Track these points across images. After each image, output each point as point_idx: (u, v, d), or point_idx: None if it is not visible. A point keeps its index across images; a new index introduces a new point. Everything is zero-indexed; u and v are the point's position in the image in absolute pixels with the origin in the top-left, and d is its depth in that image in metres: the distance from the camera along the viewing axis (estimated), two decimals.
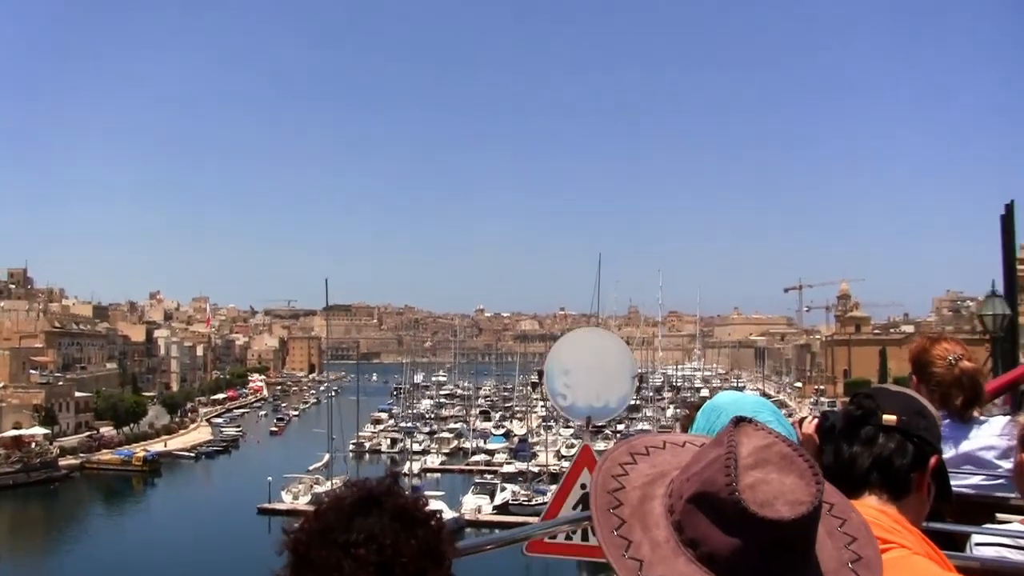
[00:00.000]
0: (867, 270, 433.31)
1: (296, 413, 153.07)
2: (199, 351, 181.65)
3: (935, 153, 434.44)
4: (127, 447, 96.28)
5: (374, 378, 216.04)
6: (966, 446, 3.81)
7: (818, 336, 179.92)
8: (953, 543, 2.76)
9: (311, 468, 78.41)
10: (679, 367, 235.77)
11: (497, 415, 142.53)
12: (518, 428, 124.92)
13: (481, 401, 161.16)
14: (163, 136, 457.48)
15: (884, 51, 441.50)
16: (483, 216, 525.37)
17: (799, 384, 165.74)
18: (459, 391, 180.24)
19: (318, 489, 73.83)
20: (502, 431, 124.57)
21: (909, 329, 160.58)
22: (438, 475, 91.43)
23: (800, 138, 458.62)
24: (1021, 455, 3.11)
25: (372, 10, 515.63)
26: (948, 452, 3.58)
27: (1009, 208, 12.95)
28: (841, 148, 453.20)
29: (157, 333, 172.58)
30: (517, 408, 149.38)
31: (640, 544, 1.48)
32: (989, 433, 3.83)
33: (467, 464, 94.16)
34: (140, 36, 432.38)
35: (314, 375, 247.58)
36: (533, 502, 70.34)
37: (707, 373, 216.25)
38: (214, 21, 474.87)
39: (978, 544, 2.85)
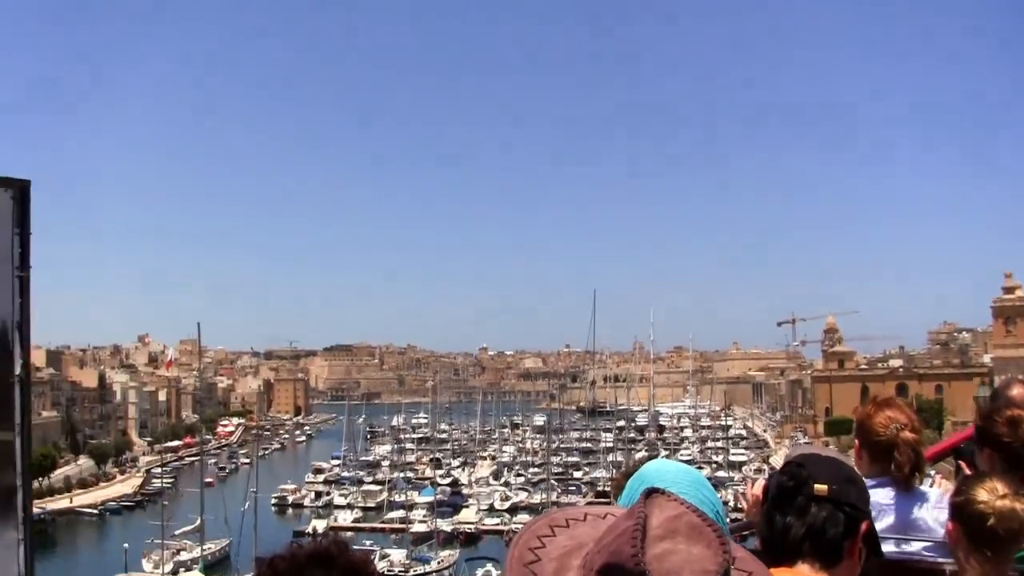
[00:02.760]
0: (866, 302, 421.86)
1: (248, 462, 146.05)
2: (161, 396, 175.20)
3: (935, 183, 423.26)
4: None
5: (360, 420, 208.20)
6: (908, 514, 3.83)
7: (809, 372, 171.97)
8: None
9: (178, 533, 70.65)
10: (672, 405, 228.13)
11: (457, 461, 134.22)
12: (465, 477, 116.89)
13: (450, 445, 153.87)
14: (156, 173, 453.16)
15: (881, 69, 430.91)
16: (487, 255, 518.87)
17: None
18: (436, 434, 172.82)
19: (183, 557, 66.75)
20: (448, 480, 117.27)
21: (897, 363, 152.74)
22: (349, 533, 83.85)
23: (802, 174, 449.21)
24: (950, 524, 3.35)
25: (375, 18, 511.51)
26: (889, 519, 3.71)
27: None
28: (841, 176, 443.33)
29: (114, 377, 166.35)
30: (481, 454, 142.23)
31: None
32: (929, 503, 3.86)
33: (382, 521, 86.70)
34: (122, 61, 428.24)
35: (299, 418, 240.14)
36: (409, 573, 62.93)
37: (700, 411, 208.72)
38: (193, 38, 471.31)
39: None
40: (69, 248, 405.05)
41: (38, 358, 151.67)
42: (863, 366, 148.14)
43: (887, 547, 3.38)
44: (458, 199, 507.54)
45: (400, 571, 62.98)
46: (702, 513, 1.46)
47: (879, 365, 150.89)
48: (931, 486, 4.25)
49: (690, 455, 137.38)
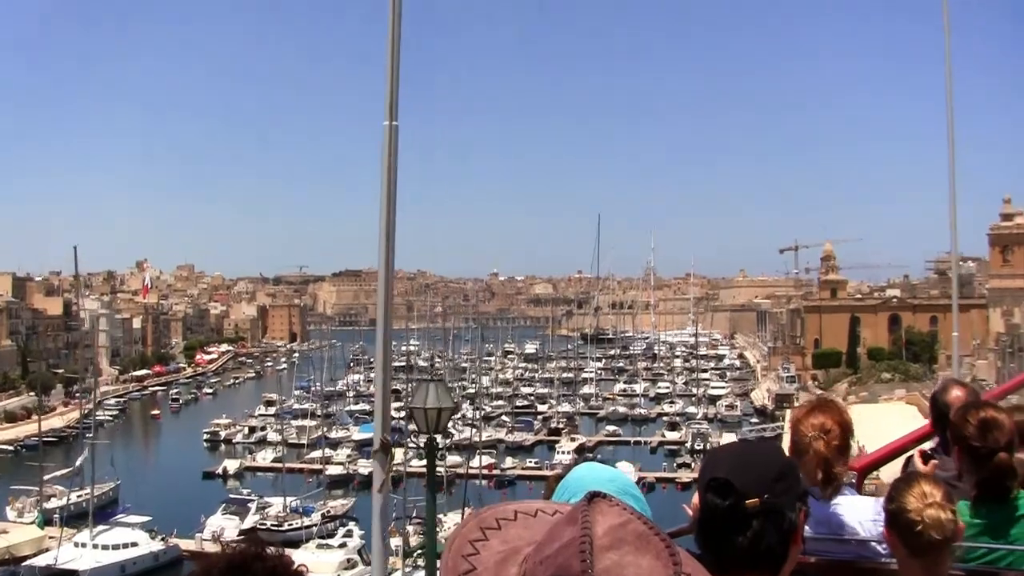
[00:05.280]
0: (874, 230, 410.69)
1: (211, 392, 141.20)
2: (136, 323, 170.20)
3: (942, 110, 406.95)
4: None
5: (356, 347, 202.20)
6: (838, 519, 3.90)
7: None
8: None
9: (47, 478, 64.44)
10: (675, 332, 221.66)
11: None
12: None
13: (429, 375, 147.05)
14: (165, 100, 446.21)
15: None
16: (497, 179, 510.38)
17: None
18: (420, 362, 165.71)
19: (50, 505, 61.00)
20: (403, 413, 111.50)
21: (895, 292, 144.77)
22: (267, 474, 78.41)
23: (812, 92, 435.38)
24: (886, 531, 3.46)
25: None
26: (810, 527, 3.60)
27: None
28: (849, 101, 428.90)
29: (86, 304, 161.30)
30: (455, 384, 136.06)
31: None
32: (862, 514, 3.92)
33: (303, 460, 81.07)
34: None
35: (294, 344, 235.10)
36: (284, 527, 56.86)
37: (701, 339, 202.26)
38: None
39: None
40: (77, 174, 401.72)
41: (1, 285, 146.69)
42: (857, 296, 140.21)
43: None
44: (467, 121, 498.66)
45: (273, 524, 56.91)
46: (647, 520, 1.40)
47: (874, 295, 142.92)
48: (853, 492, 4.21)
49: (668, 387, 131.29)
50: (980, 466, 3.97)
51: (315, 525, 57.11)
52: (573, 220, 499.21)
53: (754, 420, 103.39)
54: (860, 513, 3.91)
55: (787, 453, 3.39)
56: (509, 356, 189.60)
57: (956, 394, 5.04)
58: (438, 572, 1.41)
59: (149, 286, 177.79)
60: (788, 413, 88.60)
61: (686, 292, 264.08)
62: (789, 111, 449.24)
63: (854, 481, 4.67)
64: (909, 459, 5.05)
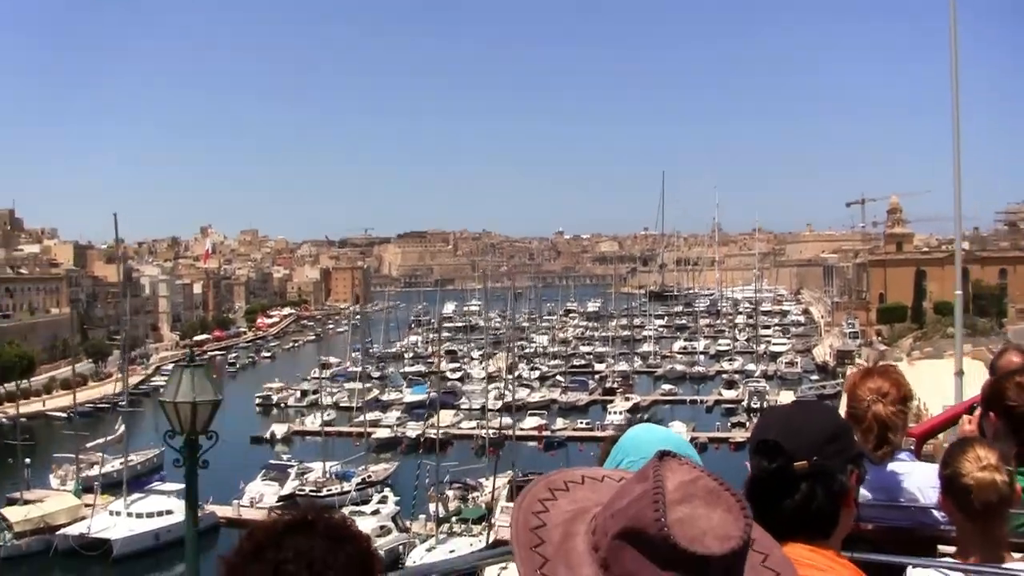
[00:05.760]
0: (942, 180, 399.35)
1: (268, 355, 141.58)
2: (197, 289, 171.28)
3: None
4: None
5: (419, 307, 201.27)
6: (897, 485, 3.84)
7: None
8: (891, 574, 3.13)
9: (89, 446, 64.28)
10: (741, 288, 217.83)
11: (479, 353, 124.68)
12: (479, 370, 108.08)
13: (487, 336, 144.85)
14: (231, 70, 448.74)
15: None
16: (563, 137, 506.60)
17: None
18: (483, 322, 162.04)
19: (91, 473, 60.56)
20: (459, 374, 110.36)
21: (965, 246, 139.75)
22: (315, 438, 77.51)
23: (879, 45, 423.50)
24: (941, 497, 3.38)
25: None
26: (868, 493, 3.64)
27: None
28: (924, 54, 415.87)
29: (147, 270, 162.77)
30: (516, 344, 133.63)
31: None
32: (922, 480, 3.82)
33: (352, 424, 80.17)
34: None
35: (357, 306, 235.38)
36: (322, 492, 55.89)
37: (766, 294, 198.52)
38: None
39: None
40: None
41: (62, 253, 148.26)
42: (924, 249, 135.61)
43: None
44: (534, 85, 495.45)
45: (312, 490, 55.99)
46: (718, 477, 1.45)
47: (941, 248, 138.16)
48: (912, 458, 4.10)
49: (728, 345, 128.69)
50: (1018, 429, 3.83)
51: (351, 491, 55.99)
52: (639, 177, 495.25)
53: (814, 377, 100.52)
54: (920, 479, 3.82)
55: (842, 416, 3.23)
56: (571, 315, 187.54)
57: (1012, 359, 4.95)
58: (508, 528, 1.59)
59: (211, 251, 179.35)
60: (848, 371, 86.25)
61: (752, 248, 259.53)
62: (853, 67, 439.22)
63: (913, 447, 4.47)
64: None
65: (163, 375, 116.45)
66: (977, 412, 4.47)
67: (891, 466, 3.84)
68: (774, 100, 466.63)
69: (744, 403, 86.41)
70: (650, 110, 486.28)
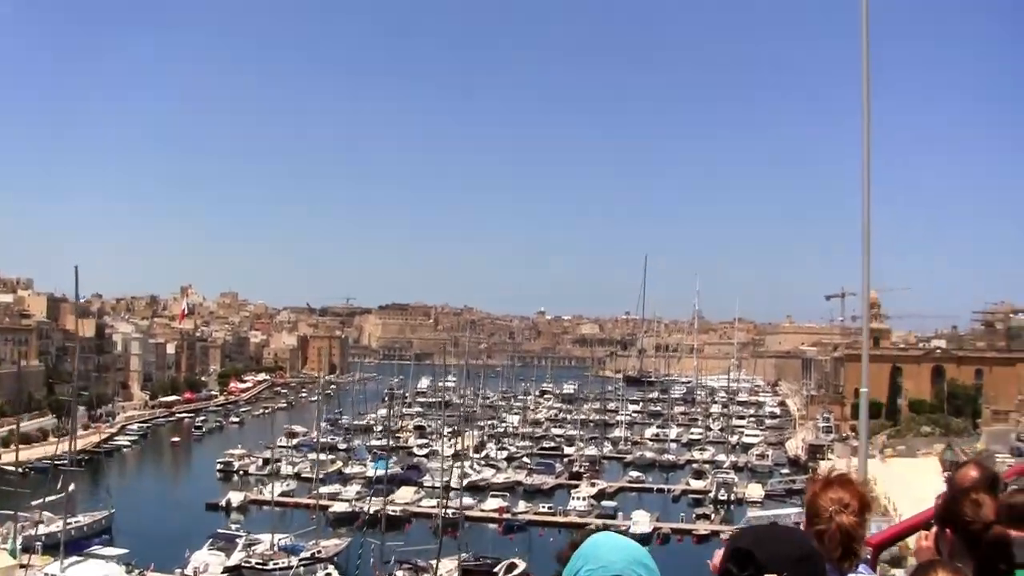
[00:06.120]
0: (923, 280, 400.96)
1: (237, 420, 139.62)
2: (170, 349, 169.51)
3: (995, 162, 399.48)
4: None
5: (395, 381, 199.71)
6: None
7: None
8: None
9: (35, 503, 62.27)
10: (719, 377, 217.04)
11: (448, 430, 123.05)
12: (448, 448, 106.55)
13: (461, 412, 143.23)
14: (212, 132, 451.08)
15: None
16: (549, 219, 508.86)
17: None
18: (456, 399, 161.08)
19: (33, 532, 58.76)
20: (426, 451, 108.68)
21: (941, 343, 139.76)
22: (270, 508, 75.77)
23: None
24: None
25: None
26: None
27: None
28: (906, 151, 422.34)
29: (120, 327, 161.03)
30: (488, 423, 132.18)
31: None
32: None
33: (310, 495, 78.43)
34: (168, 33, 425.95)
35: (333, 376, 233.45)
36: (268, 566, 54.28)
37: (743, 384, 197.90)
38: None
39: None
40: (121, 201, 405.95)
41: (36, 305, 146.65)
42: (901, 346, 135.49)
43: None
44: (519, 163, 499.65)
45: (258, 563, 54.38)
46: None
47: (919, 346, 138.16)
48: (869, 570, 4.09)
49: (701, 433, 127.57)
50: (973, 545, 3.83)
51: (297, 566, 54.35)
52: (622, 261, 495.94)
53: (784, 471, 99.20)
54: None
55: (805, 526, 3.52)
56: (546, 396, 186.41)
57: (970, 473, 4.90)
58: None
59: (187, 311, 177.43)
60: (819, 466, 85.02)
61: (732, 336, 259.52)
62: (834, 161, 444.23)
63: (869, 557, 4.46)
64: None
65: (127, 435, 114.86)
66: (934, 529, 4.33)
67: None
68: (754, 192, 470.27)
69: (711, 494, 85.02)
70: (634, 201, 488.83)
